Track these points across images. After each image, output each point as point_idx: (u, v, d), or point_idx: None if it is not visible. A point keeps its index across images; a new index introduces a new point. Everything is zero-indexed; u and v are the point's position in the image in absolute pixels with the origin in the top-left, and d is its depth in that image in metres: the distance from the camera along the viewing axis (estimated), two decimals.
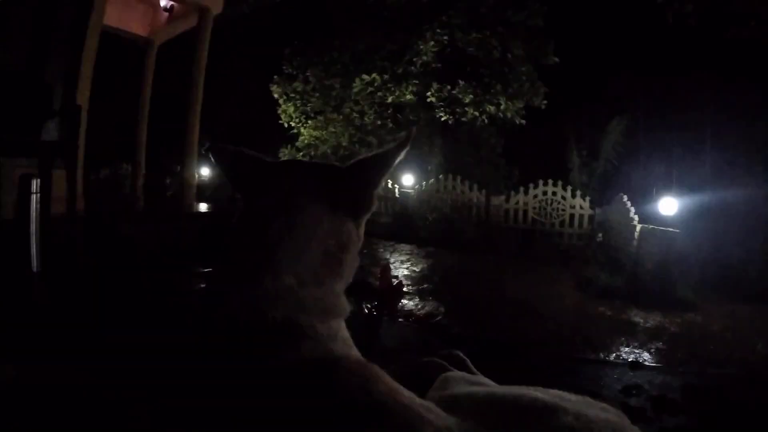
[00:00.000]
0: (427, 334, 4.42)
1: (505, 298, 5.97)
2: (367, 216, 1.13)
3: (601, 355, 4.13)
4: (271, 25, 15.11)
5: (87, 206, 6.57)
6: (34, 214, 3.28)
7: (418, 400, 0.86)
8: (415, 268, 7.34)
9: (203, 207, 9.44)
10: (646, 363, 3.96)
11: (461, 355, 1.36)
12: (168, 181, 12.75)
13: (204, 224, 7.19)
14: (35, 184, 3.33)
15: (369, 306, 3.36)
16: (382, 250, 8.77)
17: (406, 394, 0.85)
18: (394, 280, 4.10)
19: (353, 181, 1.07)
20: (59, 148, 4.24)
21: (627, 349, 4.32)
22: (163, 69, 9.73)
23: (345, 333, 1.03)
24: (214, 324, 0.92)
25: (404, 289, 5.19)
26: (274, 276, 0.93)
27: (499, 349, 3.93)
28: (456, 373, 1.20)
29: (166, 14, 9.22)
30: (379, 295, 3.46)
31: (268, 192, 1.06)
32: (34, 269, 3.25)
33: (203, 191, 12.32)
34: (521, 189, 10.57)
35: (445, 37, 12.61)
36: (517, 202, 10.40)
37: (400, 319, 4.48)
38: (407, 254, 8.42)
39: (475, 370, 1.31)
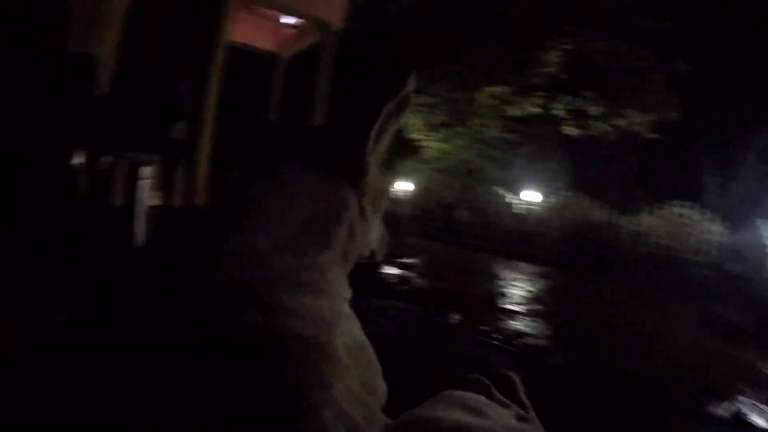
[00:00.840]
0: (510, 355, 4.15)
1: (620, 328, 5.57)
2: (368, 184, 1.02)
3: (720, 411, 3.62)
4: (396, 38, 15.26)
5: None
6: (142, 197, 3.52)
7: (348, 407, 0.77)
8: (530, 288, 7.06)
9: None
10: None
11: (515, 378, 1.26)
12: None
13: None
14: (144, 171, 3.57)
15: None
16: (495, 266, 8.52)
17: (342, 399, 0.76)
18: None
19: (342, 140, 1.01)
20: (183, 146, 4.59)
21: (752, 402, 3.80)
22: (293, 82, 10.10)
23: (327, 313, 0.92)
24: (167, 286, 0.86)
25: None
26: (242, 238, 0.87)
27: (596, 383, 3.59)
28: (460, 394, 1.05)
29: (291, 30, 9.56)
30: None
31: (260, 154, 1.01)
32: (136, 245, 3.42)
33: None
34: (649, 209, 9.81)
35: (570, 47, 12.15)
36: (645, 224, 9.68)
37: (486, 336, 4.26)
38: (522, 273, 8.14)
39: (524, 399, 1.20)
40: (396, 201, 18.07)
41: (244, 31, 9.40)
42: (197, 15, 6.44)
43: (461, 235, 13.06)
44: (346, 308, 1.00)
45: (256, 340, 0.77)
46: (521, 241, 10.38)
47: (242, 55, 9.95)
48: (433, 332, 3.15)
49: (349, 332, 0.99)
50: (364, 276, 4.10)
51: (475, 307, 3.59)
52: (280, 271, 0.87)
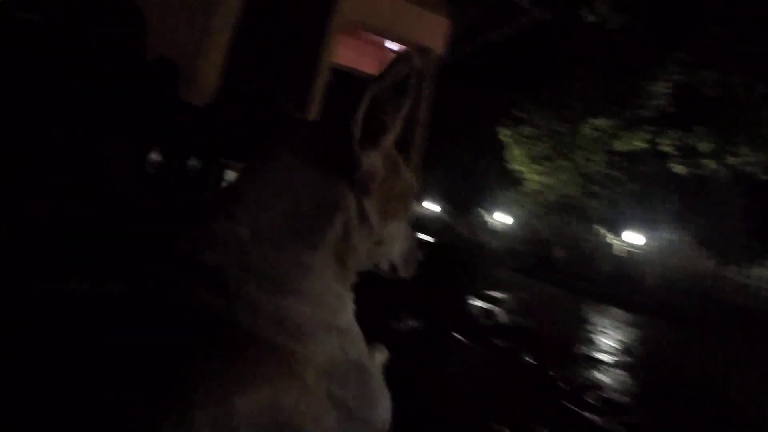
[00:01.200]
0: (578, 406, 3.81)
1: (716, 391, 4.99)
2: (368, 182, 0.92)
3: None
4: (496, 66, 15.14)
5: None
6: None
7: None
8: (620, 337, 6.61)
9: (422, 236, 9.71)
10: None
11: None
12: None
13: None
14: (228, 173, 3.70)
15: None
16: (587, 309, 8.08)
17: (249, 411, 0.69)
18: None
19: (331, 131, 0.93)
20: None
21: None
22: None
23: (306, 321, 0.85)
24: (153, 261, 0.86)
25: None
26: (227, 223, 0.84)
27: None
28: None
29: (393, 55, 9.73)
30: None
31: (262, 146, 1.00)
32: None
33: (430, 224, 12.72)
34: (760, 260, 8.99)
35: (679, 77, 11.25)
36: (755, 276, 8.86)
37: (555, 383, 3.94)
38: (615, 319, 7.64)
39: None
40: (494, 233, 17.76)
41: (350, 54, 9.79)
42: (304, 36, 6.70)
43: (556, 273, 12.56)
44: (343, 322, 0.91)
45: (182, 319, 0.75)
46: (618, 285, 9.79)
47: (347, 77, 10.31)
48: (498, 371, 2.94)
49: (339, 348, 0.90)
50: (448, 306, 3.90)
51: (556, 350, 3.34)
52: (253, 261, 0.83)
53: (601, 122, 12.46)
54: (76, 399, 0.67)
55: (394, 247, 1.06)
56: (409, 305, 3.86)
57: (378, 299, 3.98)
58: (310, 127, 1.00)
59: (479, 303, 5.24)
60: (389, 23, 8.54)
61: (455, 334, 3.57)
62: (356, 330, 0.95)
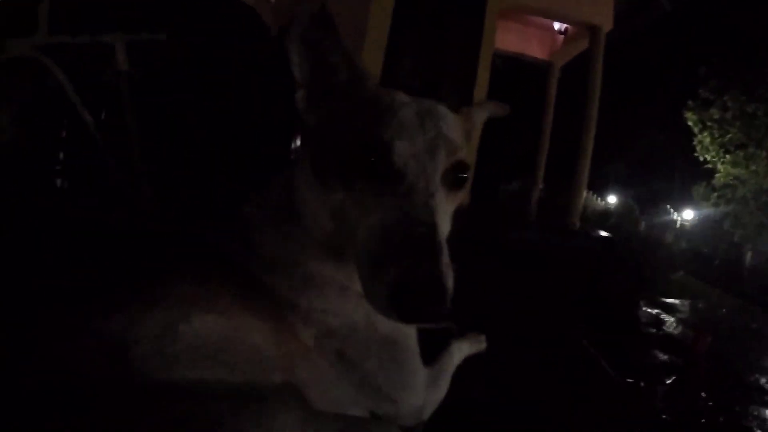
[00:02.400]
0: None
1: None
2: (316, 142, 1.02)
3: None
4: (680, 41, 13.77)
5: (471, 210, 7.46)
6: None
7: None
8: None
9: (600, 231, 9.35)
10: None
11: None
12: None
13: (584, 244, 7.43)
14: None
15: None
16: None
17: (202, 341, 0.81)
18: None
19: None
20: None
21: None
22: (565, 90, 10.11)
23: (315, 277, 0.99)
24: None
25: None
26: (242, 206, 1.10)
27: None
28: None
29: (561, 37, 9.48)
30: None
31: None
32: None
33: (607, 217, 12.24)
34: None
35: None
36: None
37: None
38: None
39: None
40: (680, 232, 16.34)
41: (518, 40, 9.57)
42: (463, 24, 6.62)
43: (746, 282, 11.21)
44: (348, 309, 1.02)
45: (206, 260, 0.97)
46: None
47: (514, 62, 10.08)
48: (630, 392, 2.62)
49: (362, 316, 1.00)
50: (616, 310, 3.69)
51: (722, 377, 2.97)
52: (257, 241, 1.00)
53: None
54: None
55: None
56: (564, 305, 3.70)
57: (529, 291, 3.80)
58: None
59: (651, 309, 4.87)
60: (551, 3, 8.17)
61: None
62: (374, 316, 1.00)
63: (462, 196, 1.02)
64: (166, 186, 2.34)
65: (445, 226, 0.93)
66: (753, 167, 12.21)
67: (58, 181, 2.82)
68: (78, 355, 0.73)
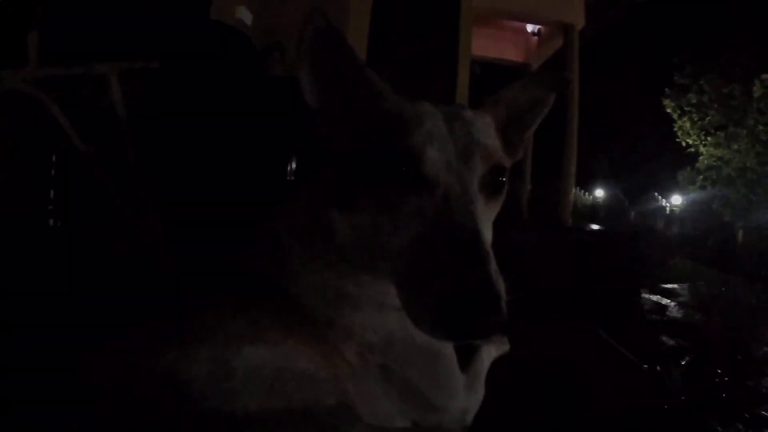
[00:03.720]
0: None
1: None
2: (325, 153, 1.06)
3: None
4: (653, 32, 14.00)
5: None
6: None
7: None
8: None
9: (593, 225, 9.39)
10: None
11: None
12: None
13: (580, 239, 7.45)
14: None
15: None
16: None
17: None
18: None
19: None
20: None
21: None
22: None
23: (350, 294, 0.98)
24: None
25: None
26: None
27: None
28: None
29: (536, 38, 9.59)
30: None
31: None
32: None
33: (596, 211, 12.25)
34: None
35: None
36: None
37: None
38: None
39: None
40: (670, 218, 16.45)
41: (494, 45, 9.70)
42: (439, 33, 6.69)
43: (741, 260, 11.27)
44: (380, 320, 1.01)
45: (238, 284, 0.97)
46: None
47: (492, 68, 10.18)
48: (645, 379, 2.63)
49: (399, 329, 0.99)
50: (618, 300, 3.69)
51: (731, 352, 2.98)
52: (288, 261, 0.99)
53: None
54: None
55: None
56: (569, 299, 3.70)
57: (533, 289, 3.80)
58: None
59: (652, 296, 4.89)
60: (523, 5, 8.30)
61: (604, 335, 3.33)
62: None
63: (501, 202, 1.01)
64: (173, 212, 2.33)
65: (488, 233, 0.90)
66: (735, 146, 12.37)
67: (51, 221, 2.76)
68: (134, 397, 0.73)
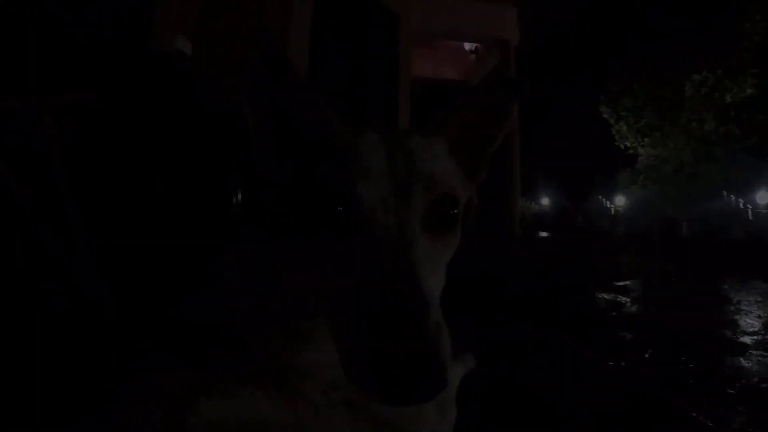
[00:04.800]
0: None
1: None
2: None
3: None
4: (584, 44, 14.62)
5: None
6: None
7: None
8: (761, 312, 5.96)
9: (541, 233, 9.50)
10: None
11: None
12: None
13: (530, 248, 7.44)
14: None
15: None
16: (726, 287, 7.39)
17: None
18: None
19: None
20: None
21: None
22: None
23: (307, 331, 0.87)
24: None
25: None
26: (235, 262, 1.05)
27: None
28: None
29: (473, 56, 9.77)
30: None
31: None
32: None
33: (542, 219, 12.37)
34: None
35: None
36: None
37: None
38: (758, 294, 6.91)
39: None
40: (615, 218, 16.87)
41: (433, 65, 9.88)
42: (379, 54, 6.77)
43: (685, 251, 11.67)
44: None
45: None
46: (759, 254, 8.90)
47: (433, 88, 10.35)
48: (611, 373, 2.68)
49: None
50: (575, 302, 3.69)
51: (690, 337, 3.04)
52: (238, 303, 0.90)
53: (703, 75, 11.55)
54: None
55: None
56: (527, 308, 3.71)
57: (492, 303, 3.81)
58: None
59: (605, 295, 4.98)
60: (459, 25, 8.50)
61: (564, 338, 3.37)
62: None
63: (456, 238, 0.87)
64: (115, 258, 2.21)
65: (434, 279, 0.77)
66: (671, 144, 12.93)
67: None
68: None
